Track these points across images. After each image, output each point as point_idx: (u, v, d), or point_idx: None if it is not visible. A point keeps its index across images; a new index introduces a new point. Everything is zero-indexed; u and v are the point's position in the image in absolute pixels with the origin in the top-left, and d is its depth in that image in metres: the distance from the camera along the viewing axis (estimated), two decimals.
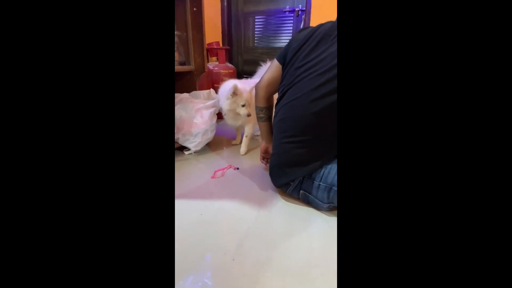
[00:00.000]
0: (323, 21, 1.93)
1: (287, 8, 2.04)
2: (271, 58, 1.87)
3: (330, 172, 0.83)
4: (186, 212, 0.90)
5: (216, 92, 1.49)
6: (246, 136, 1.46)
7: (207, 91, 1.54)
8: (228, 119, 1.39)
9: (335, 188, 0.82)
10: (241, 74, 2.41)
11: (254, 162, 1.35)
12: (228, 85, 1.29)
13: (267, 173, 1.26)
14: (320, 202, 0.88)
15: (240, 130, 1.60)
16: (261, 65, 1.71)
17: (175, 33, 1.45)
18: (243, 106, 1.29)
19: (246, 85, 1.30)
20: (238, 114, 1.32)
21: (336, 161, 0.84)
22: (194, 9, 1.40)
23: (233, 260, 0.69)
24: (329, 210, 0.90)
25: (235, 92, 1.26)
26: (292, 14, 2.05)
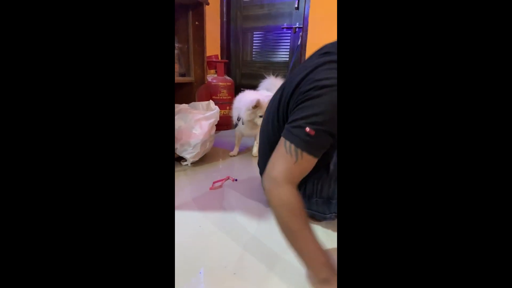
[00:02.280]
0: (319, 39, 2.00)
1: (285, 25, 2.11)
2: (268, 72, 1.92)
3: (323, 185, 0.82)
4: (184, 224, 0.88)
5: (216, 103, 1.52)
6: (257, 143, 1.57)
7: (206, 102, 1.55)
8: (245, 129, 1.50)
9: (333, 201, 0.81)
10: (238, 87, 2.44)
11: (252, 174, 1.35)
12: (249, 97, 1.41)
13: None
14: (322, 214, 0.87)
15: (239, 142, 1.65)
16: (262, 80, 1.77)
17: (177, 45, 1.47)
18: (260, 117, 1.39)
19: (264, 97, 1.40)
20: (255, 124, 1.43)
21: (322, 171, 0.83)
22: (196, 23, 1.43)
23: (234, 274, 0.67)
24: (333, 219, 0.90)
25: (257, 105, 1.36)
26: (290, 31, 2.12)
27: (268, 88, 1.78)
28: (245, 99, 1.43)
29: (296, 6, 2.02)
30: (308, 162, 0.60)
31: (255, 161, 1.54)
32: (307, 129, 0.56)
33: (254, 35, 2.32)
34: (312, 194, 0.85)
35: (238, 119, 1.49)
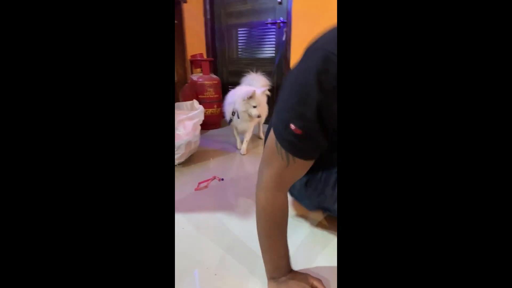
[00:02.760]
0: (304, 33, 1.98)
1: (269, 20, 2.09)
2: (255, 69, 1.90)
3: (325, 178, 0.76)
4: None
5: (200, 103, 1.50)
6: (247, 141, 1.63)
7: (190, 102, 1.53)
8: (240, 122, 1.55)
9: (325, 193, 0.76)
10: (226, 85, 2.42)
11: (240, 173, 1.34)
12: (245, 88, 1.50)
13: (252, 184, 1.24)
14: (309, 203, 0.84)
15: (238, 136, 1.73)
16: (245, 75, 1.79)
17: None
18: (254, 107, 1.46)
19: (259, 89, 1.49)
20: (250, 115, 1.49)
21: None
22: (176, 21, 1.41)
23: (215, 275, 0.67)
24: (315, 211, 0.89)
25: (252, 96, 1.43)
26: (274, 26, 2.10)
27: (250, 84, 1.79)
28: (240, 92, 1.49)
29: (279, 0, 2.00)
30: (303, 165, 0.53)
31: (242, 160, 1.53)
32: (292, 126, 0.47)
33: (239, 32, 2.29)
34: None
35: (233, 113, 1.53)
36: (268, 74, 1.94)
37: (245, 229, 0.86)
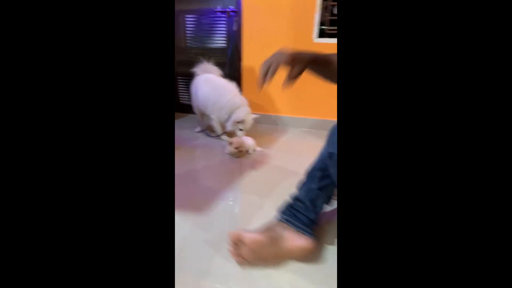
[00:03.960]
0: (255, 23, 1.97)
1: (218, 8, 2.02)
2: (204, 58, 1.83)
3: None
4: None
5: None
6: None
7: None
8: (219, 128, 1.69)
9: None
10: (175, 75, 2.28)
11: (190, 167, 1.28)
12: (231, 89, 1.61)
13: (206, 176, 1.21)
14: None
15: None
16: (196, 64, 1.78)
17: None
18: (240, 130, 1.54)
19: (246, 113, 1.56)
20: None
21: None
22: None
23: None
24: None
25: (241, 122, 1.51)
26: (224, 15, 2.04)
27: (200, 73, 1.79)
28: (227, 102, 1.56)
29: None
30: None
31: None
32: None
33: (187, 19, 2.16)
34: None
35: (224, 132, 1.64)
36: (221, 65, 1.89)
37: (199, 223, 0.83)
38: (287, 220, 0.72)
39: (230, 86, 1.65)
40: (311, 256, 0.69)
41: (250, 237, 0.66)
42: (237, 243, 0.66)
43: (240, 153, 1.41)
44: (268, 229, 0.71)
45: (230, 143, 1.41)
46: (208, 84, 1.69)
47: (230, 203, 0.99)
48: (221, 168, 1.32)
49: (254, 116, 1.59)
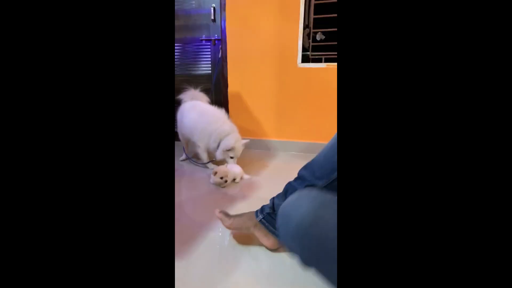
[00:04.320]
0: (240, 50, 2.01)
1: (203, 37, 2.06)
2: (191, 86, 1.81)
3: None
4: None
5: None
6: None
7: None
8: (205, 156, 1.64)
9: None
10: None
11: (176, 198, 1.20)
12: (215, 113, 1.59)
13: (192, 207, 1.13)
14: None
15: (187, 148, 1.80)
16: (184, 91, 1.77)
17: None
18: (231, 157, 1.50)
19: (238, 136, 1.54)
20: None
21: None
22: None
23: None
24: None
25: (230, 149, 1.46)
26: (209, 43, 2.08)
27: (193, 99, 1.76)
28: (215, 129, 1.51)
29: (213, 18, 2.00)
30: None
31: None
32: None
33: None
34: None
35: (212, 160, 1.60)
36: (207, 91, 1.88)
37: None
38: (261, 222, 0.80)
39: (218, 113, 1.59)
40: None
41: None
42: (223, 218, 0.85)
43: (226, 182, 1.34)
44: (244, 220, 0.83)
45: (215, 173, 1.33)
46: (195, 111, 1.64)
47: (219, 234, 0.92)
48: (207, 198, 1.24)
49: (244, 141, 1.54)
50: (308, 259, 0.50)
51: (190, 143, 1.74)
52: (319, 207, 0.49)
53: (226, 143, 1.47)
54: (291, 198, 0.54)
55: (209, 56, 2.11)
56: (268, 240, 0.79)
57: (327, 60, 1.81)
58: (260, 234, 0.80)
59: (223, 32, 1.98)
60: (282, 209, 0.55)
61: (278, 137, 2.04)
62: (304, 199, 0.52)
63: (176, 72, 2.22)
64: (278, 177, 1.46)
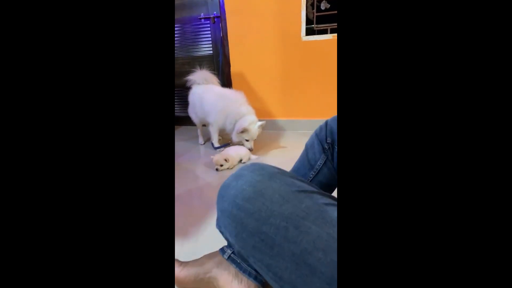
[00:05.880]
0: (240, 27, 1.91)
1: (202, 15, 1.97)
2: (193, 68, 1.76)
3: None
4: None
5: None
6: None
7: None
8: (216, 138, 1.68)
9: None
10: None
11: (179, 189, 1.21)
12: (232, 96, 1.58)
13: (197, 196, 1.13)
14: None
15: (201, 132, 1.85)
16: (192, 72, 1.74)
17: None
18: (247, 140, 1.49)
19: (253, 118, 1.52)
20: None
21: None
22: None
23: None
24: None
25: (243, 131, 1.44)
26: (208, 21, 1.99)
27: (200, 82, 1.72)
28: (229, 106, 1.51)
29: None
30: None
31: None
32: None
33: None
34: None
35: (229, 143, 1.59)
36: (211, 71, 1.82)
37: None
38: (230, 259, 0.51)
39: (236, 95, 1.58)
40: None
41: None
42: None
43: (221, 166, 1.32)
44: (200, 263, 0.55)
45: (216, 160, 1.32)
46: (213, 93, 1.62)
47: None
48: (212, 186, 1.24)
49: (260, 123, 1.50)
50: (243, 247, 0.41)
51: (205, 125, 1.75)
52: (267, 179, 0.40)
53: (238, 125, 1.46)
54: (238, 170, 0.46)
55: (209, 35, 2.03)
56: (239, 284, 0.51)
57: (333, 31, 1.70)
58: (227, 277, 0.52)
59: (221, 8, 1.88)
60: (224, 182, 0.46)
61: (285, 116, 1.99)
62: (250, 167, 0.44)
63: (177, 55, 2.16)
64: (285, 156, 1.44)
